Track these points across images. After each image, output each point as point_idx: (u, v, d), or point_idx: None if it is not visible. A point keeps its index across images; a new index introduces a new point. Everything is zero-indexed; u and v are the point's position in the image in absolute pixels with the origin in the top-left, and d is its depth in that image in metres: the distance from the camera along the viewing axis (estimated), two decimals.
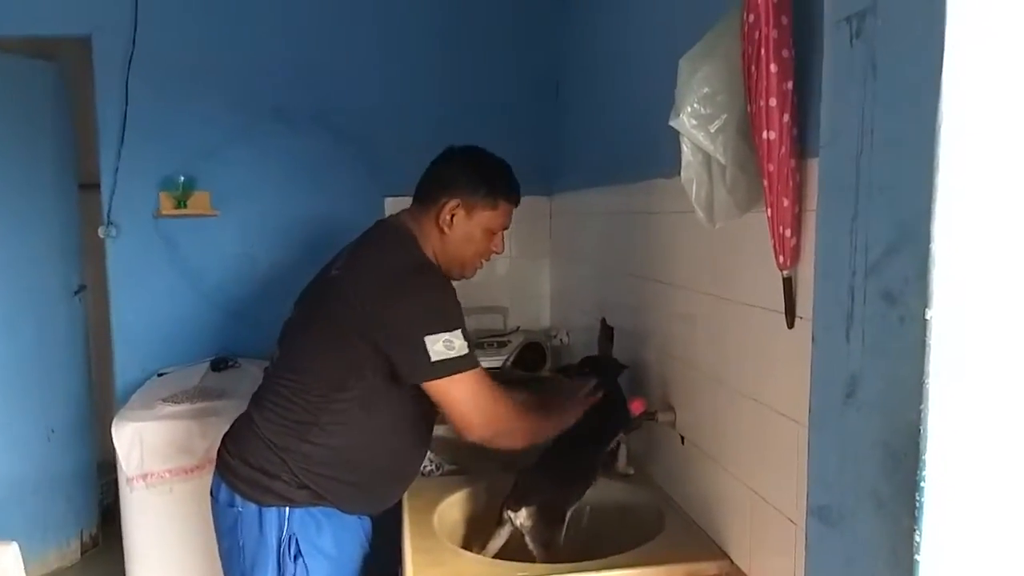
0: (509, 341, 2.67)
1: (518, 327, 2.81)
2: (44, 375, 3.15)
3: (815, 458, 1.03)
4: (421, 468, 1.80)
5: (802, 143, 1.14)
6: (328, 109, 2.83)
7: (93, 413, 3.40)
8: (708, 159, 1.16)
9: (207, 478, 1.77)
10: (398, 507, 1.72)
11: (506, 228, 1.72)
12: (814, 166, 1.12)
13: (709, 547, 1.47)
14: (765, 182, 1.13)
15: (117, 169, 2.75)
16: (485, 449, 1.64)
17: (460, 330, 1.49)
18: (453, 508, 1.78)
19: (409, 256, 1.60)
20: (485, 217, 1.66)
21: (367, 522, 1.70)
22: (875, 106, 0.88)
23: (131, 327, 2.81)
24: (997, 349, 0.79)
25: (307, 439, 1.57)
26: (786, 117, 1.11)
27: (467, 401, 1.51)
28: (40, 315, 3.15)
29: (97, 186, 2.81)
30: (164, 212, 2.74)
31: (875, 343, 0.88)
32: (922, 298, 0.78)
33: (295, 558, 1.58)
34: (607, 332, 2.09)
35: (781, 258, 1.16)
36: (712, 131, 1.13)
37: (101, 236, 2.79)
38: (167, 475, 2.33)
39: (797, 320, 1.18)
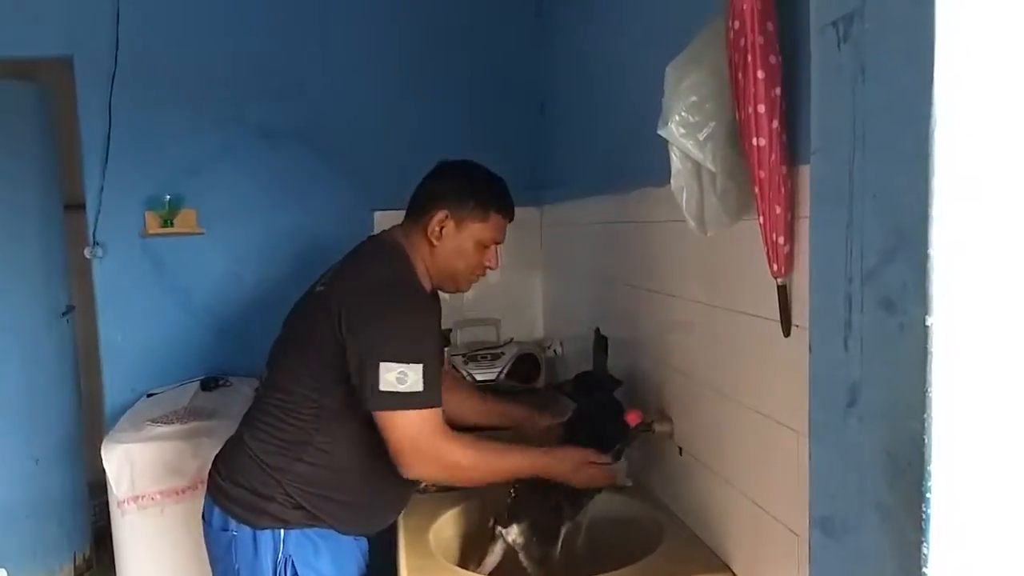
0: (503, 353, 2.65)
1: (511, 339, 2.79)
2: (32, 398, 3.11)
3: (817, 468, 1.01)
4: (417, 487, 1.77)
5: (792, 149, 1.13)
6: (314, 125, 2.81)
7: (83, 434, 3.35)
8: (698, 167, 1.14)
9: (199, 499, 1.74)
10: (394, 526, 1.70)
11: (499, 242, 1.70)
12: (805, 172, 1.11)
13: (710, 560, 1.45)
14: (756, 189, 1.12)
15: (102, 189, 2.72)
16: None
17: (422, 365, 1.44)
18: (448, 525, 1.75)
19: (394, 272, 1.58)
20: (475, 229, 1.64)
21: (363, 543, 1.67)
22: (866, 111, 0.87)
23: (119, 347, 2.78)
24: (1001, 355, 0.77)
25: (301, 458, 1.54)
26: (775, 123, 1.10)
27: (404, 438, 1.46)
28: (27, 337, 3.12)
29: (82, 206, 2.79)
30: (150, 231, 2.71)
31: (874, 351, 0.86)
32: (922, 305, 0.77)
33: None
34: (601, 342, 2.08)
35: (775, 266, 1.15)
36: (701, 139, 1.11)
37: (87, 256, 2.76)
38: (158, 497, 2.30)
39: (793, 329, 1.16)
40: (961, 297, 0.76)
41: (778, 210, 1.12)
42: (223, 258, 2.80)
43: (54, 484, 3.16)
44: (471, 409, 1.94)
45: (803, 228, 1.12)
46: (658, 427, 1.66)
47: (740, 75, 1.09)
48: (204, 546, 1.68)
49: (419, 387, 1.44)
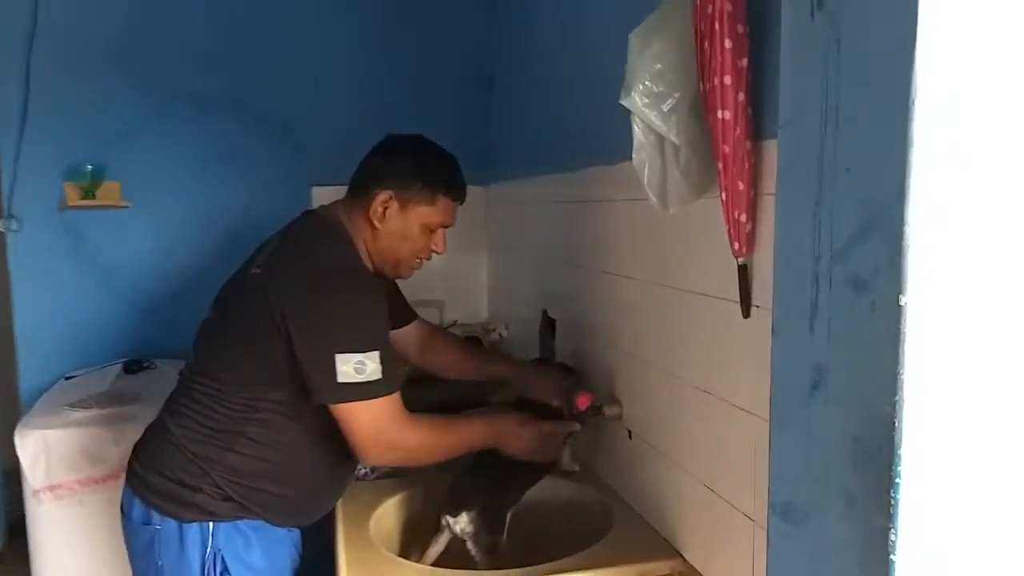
0: None
1: (455, 321, 2.72)
2: None
3: (777, 453, 0.98)
4: (356, 473, 1.69)
5: (757, 123, 1.09)
6: (248, 93, 2.68)
7: None
8: (661, 140, 1.09)
9: (121, 489, 1.62)
10: (330, 515, 1.62)
11: (448, 226, 1.59)
12: (770, 148, 1.08)
13: (661, 546, 1.42)
14: (720, 165, 1.08)
15: (18, 157, 2.54)
16: None
17: (378, 352, 1.37)
18: (389, 514, 1.68)
19: (336, 256, 1.48)
20: (421, 213, 1.53)
21: (296, 534, 1.59)
22: (839, 82, 0.83)
23: (35, 328, 2.61)
24: (977, 336, 0.75)
25: (232, 449, 1.44)
26: (741, 96, 1.06)
27: (367, 429, 1.40)
28: None
29: None
30: (70, 204, 2.54)
31: (843, 332, 0.83)
32: (895, 284, 0.74)
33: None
34: (549, 324, 2.03)
35: (736, 245, 1.11)
36: (665, 110, 1.06)
37: (1, 230, 2.58)
38: (76, 486, 2.16)
39: (753, 309, 1.13)
40: (936, 276, 0.73)
41: (741, 187, 1.08)
42: (150, 233, 2.65)
43: None
44: (453, 362, 1.89)
45: (766, 206, 1.09)
46: (608, 410, 1.62)
47: (706, 44, 1.05)
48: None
49: (378, 375, 1.36)
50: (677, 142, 1.07)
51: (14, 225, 2.55)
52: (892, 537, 0.75)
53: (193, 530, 1.45)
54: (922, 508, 0.74)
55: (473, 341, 2.62)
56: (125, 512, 1.53)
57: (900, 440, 0.74)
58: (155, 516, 1.46)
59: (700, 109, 1.09)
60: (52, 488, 2.16)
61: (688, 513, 1.36)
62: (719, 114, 1.06)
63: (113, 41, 2.57)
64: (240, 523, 1.47)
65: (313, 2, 2.73)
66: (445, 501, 1.56)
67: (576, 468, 1.81)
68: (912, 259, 0.73)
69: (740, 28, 1.05)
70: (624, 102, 1.07)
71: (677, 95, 1.07)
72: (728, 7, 1.03)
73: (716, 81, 1.05)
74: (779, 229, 0.96)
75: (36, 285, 2.60)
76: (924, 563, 0.75)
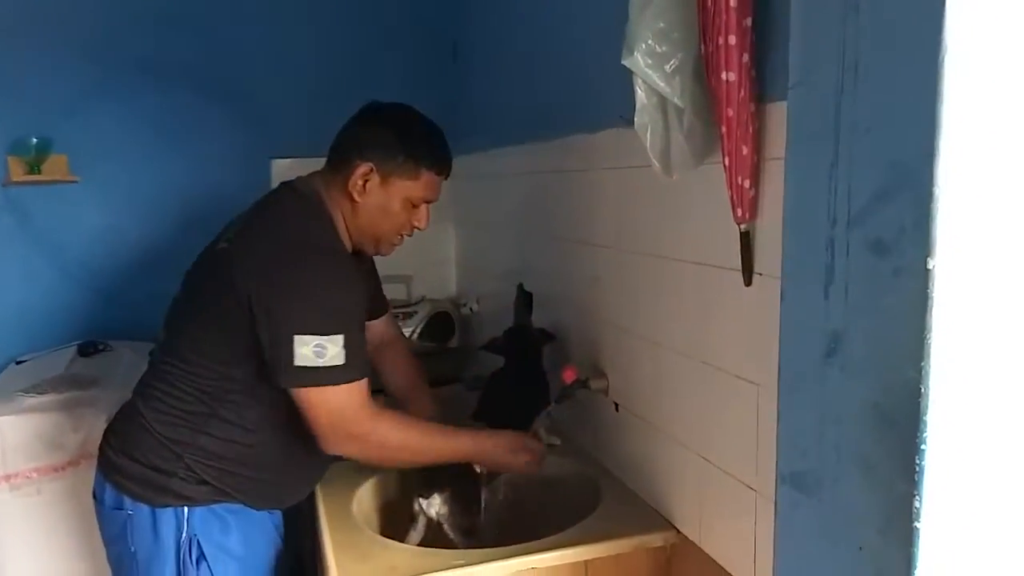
0: (415, 312, 2.53)
1: (423, 296, 2.67)
2: None
3: (787, 422, 0.97)
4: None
5: (762, 86, 1.06)
6: (203, 60, 2.54)
7: None
8: (664, 103, 1.06)
9: (83, 475, 1.56)
10: (311, 497, 1.57)
11: (432, 201, 1.52)
12: (775, 110, 1.05)
13: (653, 518, 1.41)
14: (723, 129, 1.05)
15: None
16: None
17: (343, 335, 1.29)
18: (368, 496, 1.64)
19: (310, 232, 1.40)
20: (404, 187, 1.45)
21: (277, 516, 1.53)
22: (859, 39, 0.81)
23: None
24: (1006, 300, 0.73)
25: (204, 431, 1.39)
26: (745, 57, 1.03)
27: (324, 416, 1.33)
28: None
29: None
30: (14, 179, 2.39)
31: (861, 297, 0.81)
32: (922, 247, 0.71)
33: (198, 562, 1.40)
34: (526, 298, 1.99)
35: (739, 211, 1.08)
36: (668, 71, 1.03)
37: None
38: (34, 475, 2.06)
39: (756, 277, 1.11)
40: (965, 238, 0.71)
41: (745, 151, 1.05)
42: (101, 209, 2.51)
43: None
44: (396, 380, 1.79)
45: (770, 171, 1.06)
46: (594, 384, 1.60)
47: (709, 2, 1.01)
48: (88, 526, 1.53)
49: (340, 360, 1.29)
50: (681, 104, 1.04)
51: None
52: (916, 504, 0.74)
53: (167, 515, 1.39)
54: (948, 476, 0.73)
55: (443, 317, 2.58)
56: (97, 497, 1.48)
57: (926, 407, 0.73)
58: (127, 501, 1.41)
59: (703, 71, 1.05)
60: (8, 478, 2.05)
61: (681, 485, 1.35)
62: (722, 76, 1.02)
63: (55, 3, 2.42)
64: (217, 507, 1.42)
65: None
66: (417, 484, 1.52)
67: (557, 442, 1.79)
68: (941, 221, 0.70)
69: None
70: (626, 62, 1.02)
71: (681, 55, 1.03)
72: None
73: (720, 41, 1.01)
74: (790, 194, 0.94)
75: None
76: (949, 531, 0.74)
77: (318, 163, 1.64)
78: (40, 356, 2.41)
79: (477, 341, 2.53)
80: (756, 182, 1.07)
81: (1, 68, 2.38)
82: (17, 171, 2.38)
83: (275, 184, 2.50)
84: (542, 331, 1.81)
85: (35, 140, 2.35)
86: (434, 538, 1.52)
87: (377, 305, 1.76)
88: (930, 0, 0.70)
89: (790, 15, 0.86)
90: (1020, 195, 0.73)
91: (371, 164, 1.42)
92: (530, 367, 1.75)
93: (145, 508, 1.39)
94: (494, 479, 1.59)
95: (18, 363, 2.39)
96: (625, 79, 1.46)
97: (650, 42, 1.01)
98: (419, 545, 1.51)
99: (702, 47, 1.04)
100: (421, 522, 1.53)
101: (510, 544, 1.34)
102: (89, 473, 1.57)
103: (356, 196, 1.44)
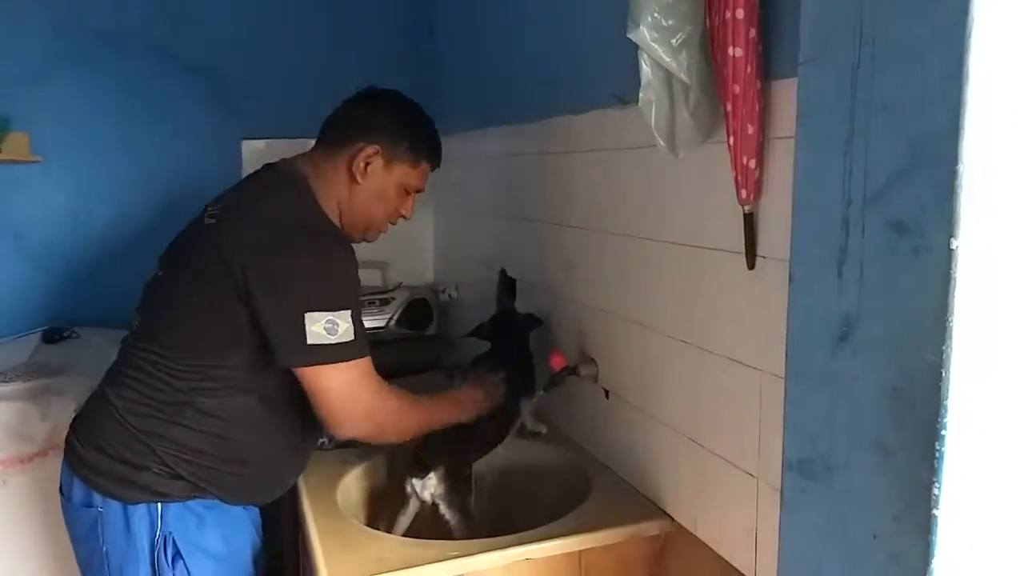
0: (392, 299, 2.47)
1: (400, 283, 2.61)
2: None
3: (795, 408, 0.95)
4: (315, 447, 1.58)
5: (768, 61, 1.03)
6: (172, 36, 2.44)
7: None
8: (669, 78, 1.02)
9: (50, 466, 1.48)
10: (292, 491, 1.52)
11: (421, 191, 1.54)
12: (783, 88, 1.02)
13: (647, 507, 1.38)
14: (729, 106, 1.02)
15: None
16: None
17: (350, 311, 1.27)
18: (353, 485, 1.59)
19: (303, 210, 1.36)
20: (403, 173, 1.46)
21: (255, 513, 1.47)
22: (877, 11, 0.78)
23: None
24: None
25: (179, 422, 1.31)
26: (752, 32, 1.00)
27: (339, 395, 1.29)
28: None
29: None
30: None
31: (878, 279, 0.79)
32: (945, 227, 0.69)
33: (173, 561, 1.32)
34: (508, 284, 1.95)
35: (744, 192, 1.05)
36: (675, 45, 0.99)
37: None
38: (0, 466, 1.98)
39: (759, 260, 1.08)
40: (990, 217, 0.69)
41: (751, 130, 1.02)
42: (65, 191, 2.41)
43: None
44: None
45: (776, 150, 1.04)
46: (583, 370, 1.57)
47: None
48: (57, 521, 1.44)
49: (350, 336, 1.25)
50: (687, 80, 1.00)
51: None
52: (935, 491, 0.72)
53: (140, 512, 1.32)
54: (968, 462, 0.71)
55: (420, 304, 2.53)
56: (64, 493, 1.40)
57: (947, 391, 0.71)
58: (97, 497, 1.33)
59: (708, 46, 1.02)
60: None
61: (676, 472, 1.32)
62: (729, 51, 0.99)
63: None
64: (192, 503, 1.34)
65: None
66: (410, 466, 1.48)
67: (543, 430, 1.76)
68: (964, 200, 0.68)
69: None
70: (632, 36, 0.99)
71: (688, 29, 0.99)
72: None
73: (728, 15, 0.98)
74: (800, 173, 0.91)
75: None
76: (968, 518, 0.72)
77: (289, 144, 1.58)
78: (2, 343, 2.31)
79: (456, 328, 2.49)
80: (761, 162, 1.04)
81: None
82: None
83: (246, 165, 2.46)
84: (530, 316, 1.78)
85: None
86: (424, 522, 1.49)
87: None
88: None
89: None
90: None
91: (378, 146, 1.42)
92: (516, 353, 1.71)
93: (116, 505, 1.32)
94: (485, 454, 1.58)
95: None
96: (613, 57, 1.43)
97: (656, 15, 0.97)
98: (408, 529, 1.48)
99: (707, 21, 1.01)
100: (412, 506, 1.50)
101: (500, 533, 1.31)
102: (58, 464, 1.50)
103: (358, 177, 1.42)
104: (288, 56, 2.56)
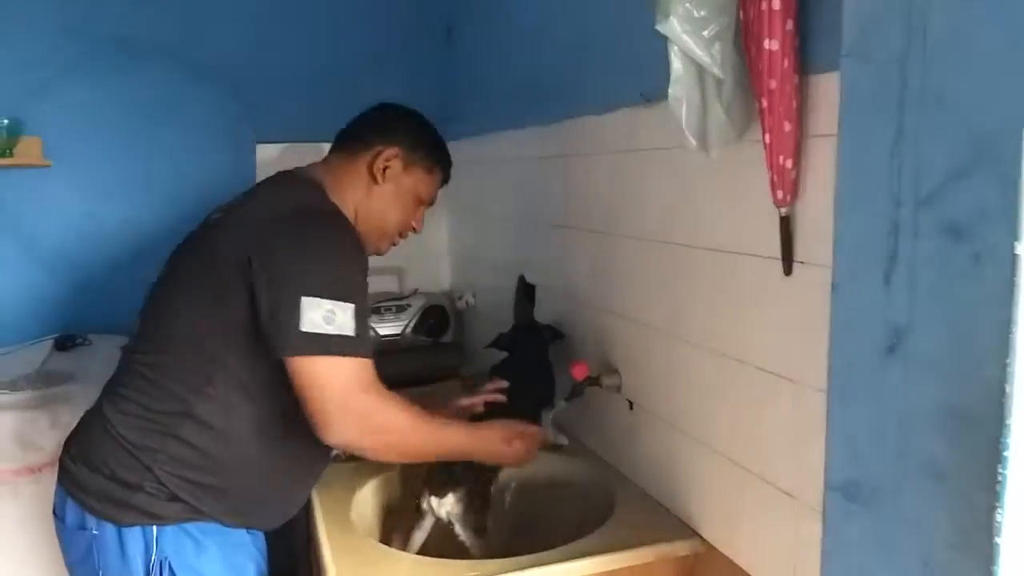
0: (408, 305, 2.42)
1: (416, 289, 2.56)
2: None
3: (839, 425, 0.89)
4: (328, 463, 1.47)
5: (805, 55, 0.97)
6: (185, 40, 2.41)
7: None
8: (701, 73, 0.96)
9: None
10: (305, 508, 1.45)
11: (432, 203, 1.52)
12: (822, 82, 0.96)
13: (675, 525, 1.32)
14: (764, 102, 0.96)
15: None
16: None
17: (353, 306, 1.17)
18: (367, 500, 1.54)
19: (315, 200, 1.32)
20: (419, 179, 1.45)
21: (259, 537, 1.37)
22: None
23: None
24: None
25: (176, 434, 1.23)
26: (789, 23, 0.94)
27: (330, 394, 1.16)
28: None
29: None
30: None
31: (932, 287, 0.73)
32: (1008, 230, 0.63)
33: None
34: (527, 291, 1.90)
35: (780, 193, 0.99)
36: (707, 37, 0.93)
37: None
38: (11, 476, 1.94)
39: (797, 266, 1.02)
40: None
41: (788, 127, 0.96)
42: (77, 196, 2.38)
43: None
44: None
45: (814, 149, 0.98)
46: (606, 380, 1.51)
47: None
48: None
49: (349, 330, 1.16)
50: (720, 75, 0.94)
51: None
52: (998, 517, 0.66)
53: (134, 535, 1.23)
54: None
55: (437, 311, 2.48)
56: (57, 514, 1.32)
57: (1010, 408, 0.64)
58: (90, 520, 1.25)
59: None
60: None
61: (707, 489, 1.26)
62: (765, 44, 0.93)
63: None
64: (189, 526, 1.25)
65: None
66: (427, 483, 1.43)
67: (564, 442, 1.70)
68: None
69: None
70: (661, 27, 0.93)
71: (722, 21, 0.93)
72: None
73: (764, 6, 0.92)
74: (844, 173, 0.86)
75: None
76: None
77: (305, 148, 1.54)
78: (14, 350, 2.28)
79: (473, 336, 2.44)
80: (798, 161, 0.98)
81: None
82: None
83: (260, 169, 2.42)
84: (551, 327, 1.72)
85: (5, 122, 2.22)
86: (440, 539, 1.43)
87: None
88: None
89: None
90: None
91: (398, 149, 1.41)
92: (536, 362, 1.66)
93: (110, 527, 1.24)
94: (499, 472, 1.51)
95: None
96: (639, 53, 1.38)
97: (687, 5, 0.92)
98: (423, 545, 1.43)
99: (741, 13, 0.95)
100: (428, 522, 1.44)
101: (519, 551, 1.25)
102: None
103: (378, 178, 1.40)
104: (303, 58, 2.53)
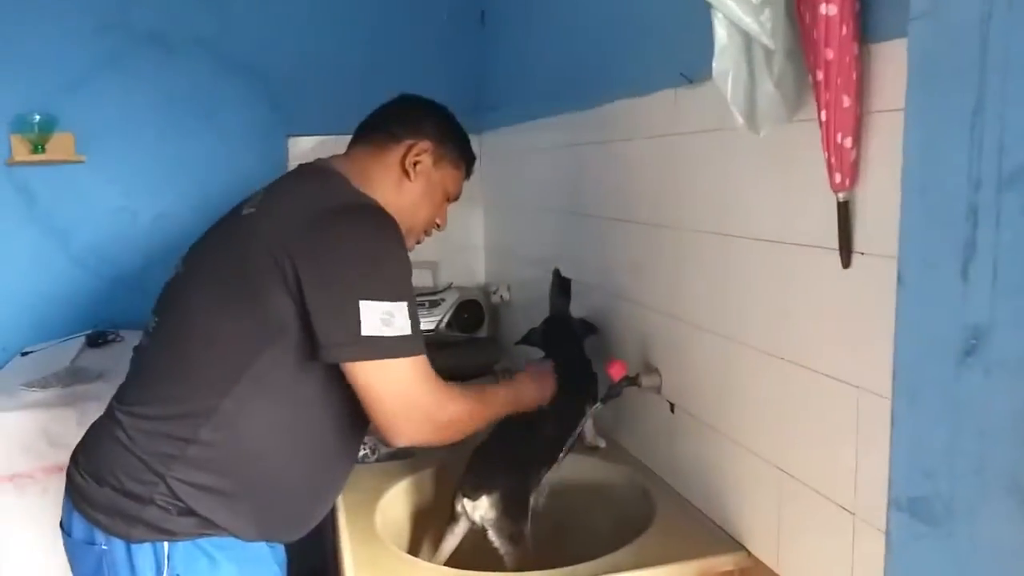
0: (442, 300, 2.36)
1: (451, 284, 2.50)
2: None
3: (906, 436, 0.79)
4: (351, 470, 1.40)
5: (865, 22, 0.87)
6: (217, 33, 2.39)
7: None
8: (748, 44, 0.87)
9: None
10: (329, 515, 1.39)
11: (456, 199, 1.47)
12: (884, 51, 0.86)
13: (718, 537, 1.23)
14: (820, 75, 0.86)
15: None
16: None
17: (406, 304, 1.14)
18: (396, 502, 1.48)
19: (352, 194, 1.25)
20: (448, 175, 1.40)
21: (280, 550, 1.31)
22: None
23: None
24: None
25: (195, 439, 1.16)
26: None
27: (398, 396, 1.15)
28: None
29: None
30: (17, 158, 2.26)
31: (1018, 280, 0.63)
32: None
33: None
34: (562, 285, 1.81)
35: (838, 176, 0.90)
36: (755, 3, 0.84)
37: None
38: (39, 474, 1.93)
39: (856, 257, 0.92)
40: None
41: (847, 102, 0.86)
42: (110, 191, 2.38)
43: None
44: None
45: (877, 126, 0.88)
46: (645, 380, 1.42)
47: None
48: None
49: (407, 330, 1.12)
50: (771, 45, 0.85)
51: None
52: None
53: (144, 551, 1.17)
54: None
55: (472, 305, 2.41)
56: (64, 529, 1.27)
57: None
58: (98, 535, 1.19)
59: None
60: (11, 478, 1.93)
61: (754, 500, 1.17)
62: (821, 9, 0.84)
63: None
64: (203, 541, 1.18)
65: None
66: (461, 484, 1.36)
67: (602, 444, 1.61)
68: None
69: None
70: None
71: None
72: None
73: None
74: (912, 151, 0.76)
75: None
76: None
77: (337, 140, 1.48)
78: (47, 347, 2.28)
79: (508, 331, 2.37)
80: (859, 140, 0.88)
81: (7, 43, 2.24)
82: (21, 151, 2.25)
83: (292, 162, 2.38)
84: (583, 322, 1.64)
85: (38, 117, 2.21)
86: (473, 546, 1.36)
87: None
88: None
89: None
90: None
91: (430, 142, 1.36)
92: (574, 359, 1.57)
93: (119, 543, 1.18)
94: (544, 475, 1.44)
95: (24, 354, 2.26)
96: (679, 28, 1.28)
97: None
98: (456, 549, 1.36)
99: None
100: (462, 525, 1.37)
101: (551, 557, 1.17)
102: None
103: (410, 173, 1.34)
104: (335, 49, 2.49)
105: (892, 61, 0.84)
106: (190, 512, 1.16)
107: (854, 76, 0.86)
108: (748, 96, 0.89)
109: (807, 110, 0.93)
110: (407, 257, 1.20)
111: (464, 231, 2.60)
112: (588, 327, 1.63)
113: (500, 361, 2.30)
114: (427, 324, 2.31)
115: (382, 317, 1.10)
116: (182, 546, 1.16)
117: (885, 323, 0.81)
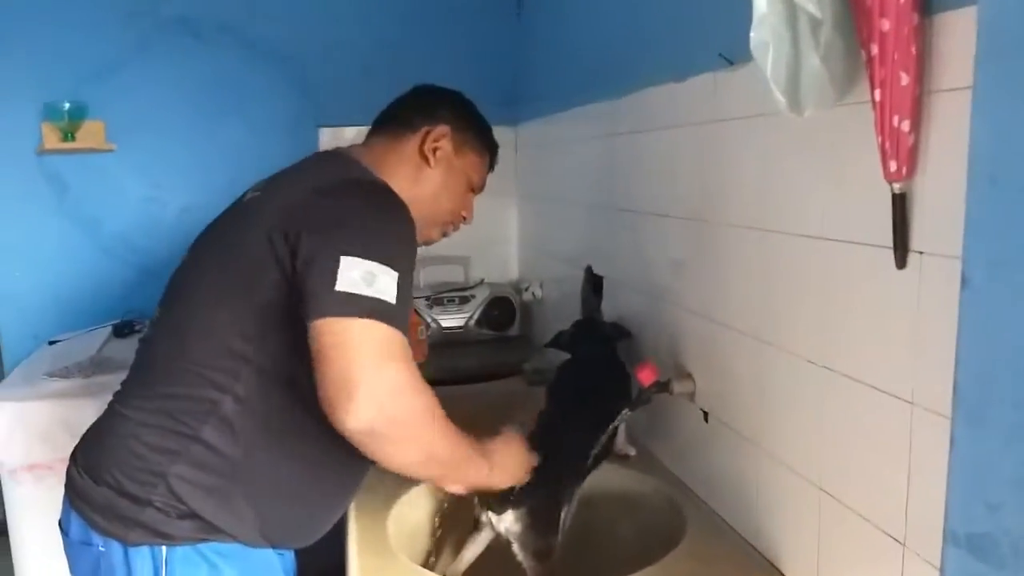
0: (472, 296, 2.30)
1: (482, 280, 2.43)
2: None
3: (967, 462, 0.70)
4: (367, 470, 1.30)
5: None
6: (247, 21, 2.37)
7: None
8: (792, 13, 0.77)
9: None
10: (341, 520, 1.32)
11: (480, 190, 1.41)
12: (948, 21, 0.76)
13: (752, 558, 1.13)
14: (874, 49, 0.76)
15: None
16: None
17: (397, 274, 1.02)
18: (411, 508, 1.40)
19: (361, 172, 1.20)
20: (471, 162, 1.35)
21: (288, 557, 1.24)
22: None
23: (15, 287, 2.34)
24: None
25: (199, 436, 1.10)
26: None
27: (352, 363, 0.97)
28: None
29: None
30: (48, 147, 2.25)
31: None
32: None
33: None
34: (594, 283, 1.73)
35: (893, 165, 0.79)
36: None
37: None
38: (59, 465, 1.89)
39: (913, 256, 0.82)
40: None
41: (905, 80, 0.76)
42: (140, 180, 2.36)
43: None
44: None
45: (939, 107, 0.77)
46: (677, 387, 1.33)
47: None
48: None
49: (391, 297, 1.00)
50: (818, 15, 0.75)
51: None
52: None
53: (141, 554, 1.11)
54: None
55: (502, 303, 2.34)
56: (63, 528, 1.22)
57: None
58: (95, 536, 1.13)
59: None
60: (31, 468, 1.91)
61: (793, 522, 1.07)
62: None
63: None
64: (203, 546, 1.11)
65: None
66: (483, 497, 1.27)
67: (632, 452, 1.52)
68: None
69: None
70: None
71: None
72: None
73: None
74: (981, 136, 0.67)
75: (13, 239, 2.34)
76: None
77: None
78: (75, 337, 2.27)
79: (539, 330, 2.29)
80: (918, 124, 0.78)
81: (32, 29, 2.24)
82: (51, 139, 2.25)
83: None
84: (615, 325, 1.55)
85: (68, 105, 2.20)
86: (497, 558, 1.28)
87: None
88: None
89: None
90: None
91: (449, 127, 1.31)
92: (605, 362, 1.49)
93: (116, 545, 1.12)
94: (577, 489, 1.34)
95: (51, 343, 2.25)
96: (718, 6, 1.19)
97: None
98: (477, 559, 1.28)
99: None
100: (485, 536, 1.29)
101: (577, 572, 1.08)
102: None
103: (430, 160, 1.29)
104: (368, 38, 2.45)
105: (958, 33, 0.74)
106: (190, 515, 1.10)
107: (913, 50, 0.76)
108: (791, 72, 0.79)
109: (858, 90, 0.83)
110: (412, 237, 1.12)
111: (497, 225, 2.53)
112: (620, 331, 1.55)
113: (529, 361, 2.22)
114: (455, 321, 2.25)
115: (363, 276, 0.99)
116: (181, 551, 1.10)
117: (946, 331, 0.72)
